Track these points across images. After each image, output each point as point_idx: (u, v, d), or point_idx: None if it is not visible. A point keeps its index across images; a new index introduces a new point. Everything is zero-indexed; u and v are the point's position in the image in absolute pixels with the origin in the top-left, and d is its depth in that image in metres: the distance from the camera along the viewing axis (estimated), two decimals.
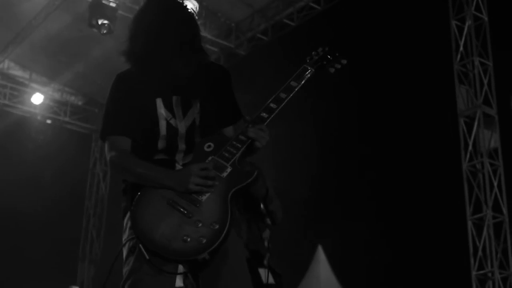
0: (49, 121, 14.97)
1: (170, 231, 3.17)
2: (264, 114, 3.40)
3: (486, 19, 11.02)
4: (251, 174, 3.33)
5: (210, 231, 3.17)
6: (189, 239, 3.15)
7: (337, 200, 11.35)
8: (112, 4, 11.78)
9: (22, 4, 13.04)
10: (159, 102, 3.47)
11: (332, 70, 3.67)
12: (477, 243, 10.19)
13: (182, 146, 3.44)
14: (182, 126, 3.46)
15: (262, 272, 4.51)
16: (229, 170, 3.30)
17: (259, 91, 5.05)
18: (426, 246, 10.44)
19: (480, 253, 10.16)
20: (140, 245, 3.20)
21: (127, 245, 3.32)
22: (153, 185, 3.28)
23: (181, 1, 3.69)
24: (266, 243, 4.52)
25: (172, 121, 3.45)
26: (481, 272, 10.12)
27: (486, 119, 10.59)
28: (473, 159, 10.50)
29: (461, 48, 10.87)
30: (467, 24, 10.94)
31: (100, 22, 11.70)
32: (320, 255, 12.65)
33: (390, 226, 10.52)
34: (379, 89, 11.04)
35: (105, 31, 11.79)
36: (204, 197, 3.25)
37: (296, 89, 3.50)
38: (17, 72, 15.03)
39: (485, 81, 10.74)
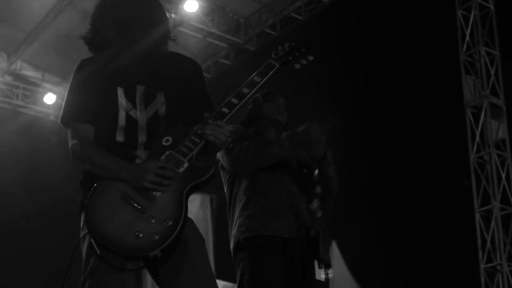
0: None
1: (123, 227, 3.08)
2: (225, 109, 3.32)
3: (492, 8, 10.86)
4: (208, 170, 3.26)
5: (163, 228, 3.09)
6: (141, 235, 3.06)
7: (348, 196, 11.23)
8: None
9: (31, 4, 13.06)
10: (120, 92, 3.38)
11: (297, 66, 3.64)
12: (486, 235, 10.06)
13: (142, 138, 3.34)
14: (142, 117, 3.37)
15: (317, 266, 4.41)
16: (186, 165, 3.21)
17: (269, 86, 4.99)
18: (435, 239, 10.31)
19: (488, 245, 10.02)
20: (92, 240, 3.13)
21: (86, 241, 3.23)
22: (109, 177, 3.20)
23: None
24: (317, 213, 4.41)
25: (132, 112, 3.37)
26: (490, 265, 9.98)
27: (493, 109, 10.45)
28: (480, 150, 10.36)
29: (467, 38, 10.72)
30: (473, 13, 10.79)
31: None
32: (334, 251, 12.60)
33: (398, 220, 10.38)
34: (385, 81, 10.92)
35: None
36: (159, 192, 3.17)
37: (259, 85, 3.44)
38: (29, 72, 15.04)
39: (492, 71, 10.60)
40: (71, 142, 3.34)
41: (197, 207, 13.16)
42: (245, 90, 3.38)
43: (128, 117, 3.36)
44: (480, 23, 10.74)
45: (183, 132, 3.34)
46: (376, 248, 10.79)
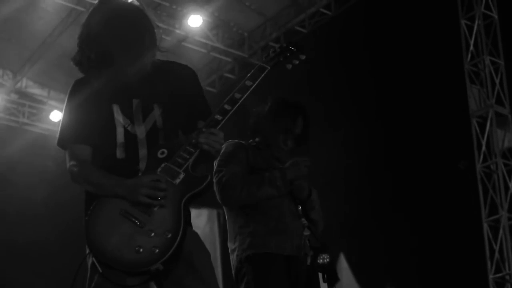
0: None
1: (123, 243, 3.11)
2: (218, 117, 3.32)
3: (496, 17, 10.85)
4: (205, 179, 3.27)
5: (163, 240, 3.10)
6: (141, 250, 3.08)
7: (355, 208, 11.21)
8: None
9: (36, 22, 13.12)
10: (116, 108, 3.40)
11: (289, 66, 3.61)
12: (494, 245, 10.02)
13: (143, 152, 3.36)
14: (141, 131, 3.39)
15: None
16: (182, 176, 3.22)
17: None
18: (443, 250, 10.25)
19: (497, 255, 9.97)
20: (93, 258, 3.16)
21: (91, 258, 3.25)
22: (107, 194, 3.23)
23: (128, 2, 3.63)
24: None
25: (129, 128, 3.38)
26: (499, 275, 9.93)
27: (499, 118, 10.42)
28: (487, 159, 10.33)
29: (472, 48, 10.71)
30: (476, 22, 10.77)
31: None
32: (342, 263, 12.55)
33: (405, 230, 10.33)
34: (390, 91, 10.89)
35: None
36: (157, 206, 3.19)
37: (251, 89, 3.42)
38: (35, 90, 15.08)
39: (497, 80, 10.58)
40: (69, 164, 3.37)
41: (204, 222, 13.12)
42: (237, 95, 3.37)
43: (127, 133, 3.38)
44: (484, 32, 10.73)
45: (178, 143, 3.35)
46: (384, 258, 10.74)
